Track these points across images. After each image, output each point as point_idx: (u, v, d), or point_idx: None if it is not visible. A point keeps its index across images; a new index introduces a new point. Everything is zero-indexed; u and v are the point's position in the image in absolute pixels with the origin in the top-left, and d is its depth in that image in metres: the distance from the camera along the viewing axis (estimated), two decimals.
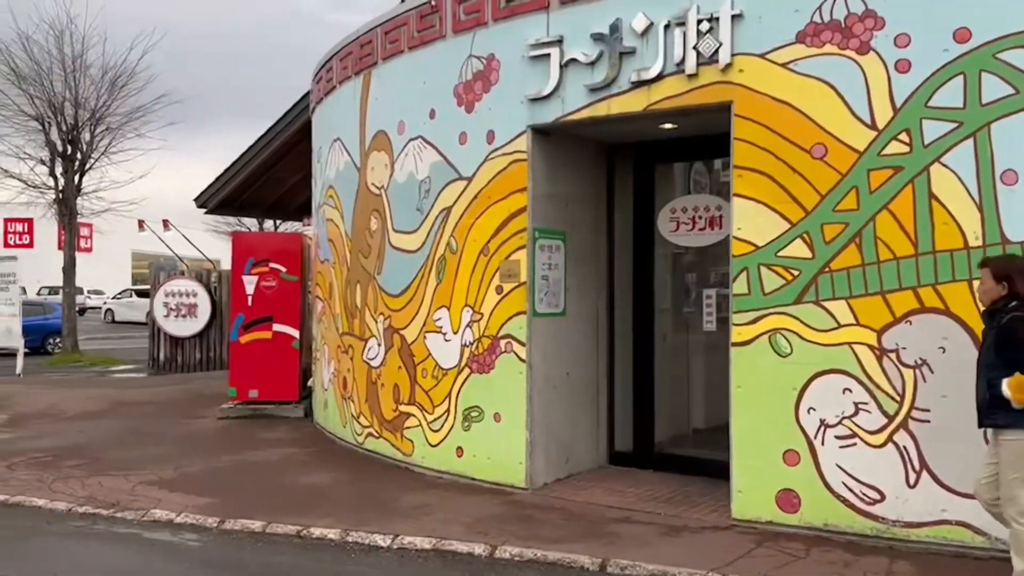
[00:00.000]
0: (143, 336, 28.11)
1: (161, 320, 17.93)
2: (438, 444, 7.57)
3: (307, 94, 14.48)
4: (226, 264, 25.72)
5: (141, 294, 37.98)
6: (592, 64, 6.50)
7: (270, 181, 17.56)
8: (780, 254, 5.82)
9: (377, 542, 5.77)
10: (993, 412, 4.44)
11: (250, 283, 11.17)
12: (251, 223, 41.38)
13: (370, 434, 8.48)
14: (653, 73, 6.21)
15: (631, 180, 7.75)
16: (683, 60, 6.09)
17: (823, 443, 5.69)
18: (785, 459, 5.80)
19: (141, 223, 21.55)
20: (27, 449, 8.96)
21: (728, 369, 6.03)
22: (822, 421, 5.69)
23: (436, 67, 7.57)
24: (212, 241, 37.55)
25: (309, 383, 10.79)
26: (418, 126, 7.77)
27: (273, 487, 7.30)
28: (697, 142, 7.23)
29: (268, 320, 11.16)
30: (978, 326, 4.95)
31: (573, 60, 6.59)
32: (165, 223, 21.03)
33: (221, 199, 17.55)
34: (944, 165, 5.36)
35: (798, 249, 5.76)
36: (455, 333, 7.41)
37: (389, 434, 8.15)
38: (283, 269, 11.22)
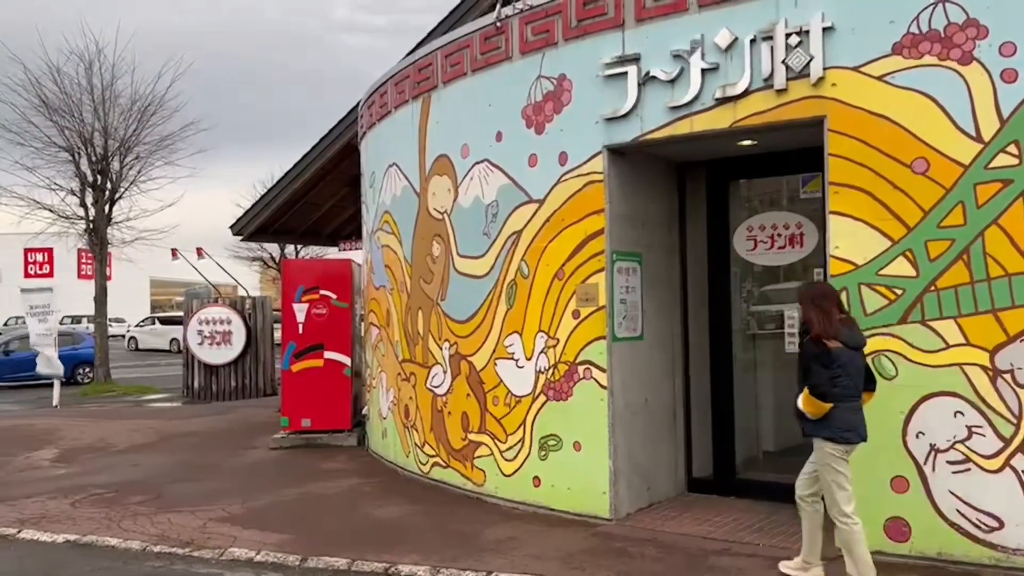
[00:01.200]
0: (169, 364, 28.33)
1: (195, 348, 17.85)
2: (512, 474, 7.37)
3: (343, 120, 14.55)
4: (247, 291, 25.88)
5: (164, 321, 38.12)
6: (672, 82, 6.34)
7: (305, 207, 17.48)
8: (882, 273, 5.62)
9: None
10: (802, 422, 5.15)
11: (300, 311, 11.03)
12: (273, 249, 41.60)
13: (436, 464, 8.28)
14: (739, 89, 6.04)
15: (704, 198, 7.57)
16: (771, 75, 5.92)
17: (934, 469, 5.46)
18: (893, 486, 5.57)
19: (175, 251, 21.51)
20: (86, 485, 8.81)
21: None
22: (932, 446, 5.47)
23: (502, 89, 7.43)
24: (235, 267, 37.60)
25: (364, 411, 10.61)
26: (483, 149, 7.62)
27: (346, 521, 7.11)
28: (774, 158, 7.06)
29: (319, 348, 11.01)
30: None
31: (651, 78, 6.43)
32: (199, 251, 20.99)
33: (257, 226, 17.48)
34: None
35: (901, 267, 5.56)
36: (528, 359, 7.22)
37: (458, 464, 7.96)
38: (333, 296, 11.09)
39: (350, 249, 17.61)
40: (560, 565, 5.69)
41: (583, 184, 6.83)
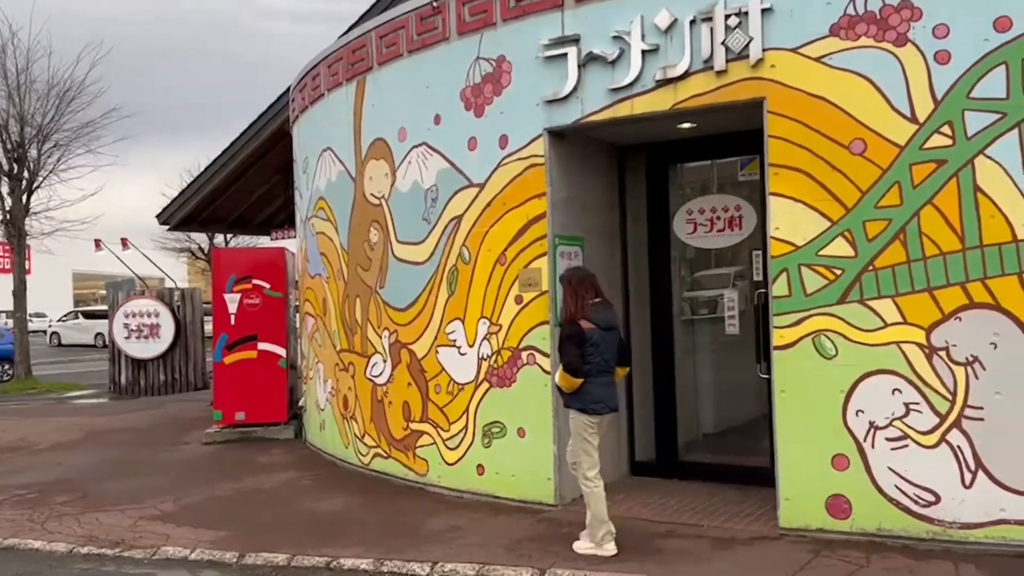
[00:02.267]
0: (93, 359, 27.45)
1: (121, 342, 17.28)
2: (456, 463, 7.27)
3: (273, 104, 14.21)
4: (175, 283, 25.19)
5: (89, 315, 36.92)
6: (613, 63, 6.29)
7: (235, 195, 17.06)
8: (821, 253, 5.66)
9: (415, 571, 5.47)
10: (562, 395, 5.65)
11: (232, 301, 10.74)
12: (201, 239, 40.58)
13: (377, 454, 8.14)
14: (680, 71, 6.02)
15: (644, 182, 7.56)
16: (711, 56, 5.91)
17: (873, 446, 5.54)
18: (834, 464, 5.64)
19: (98, 242, 20.77)
20: (6, 486, 8.42)
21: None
22: (871, 423, 5.54)
23: (440, 71, 7.29)
24: (161, 259, 36.57)
25: (300, 403, 10.38)
26: (421, 132, 7.47)
27: (286, 515, 6.92)
28: (713, 141, 7.09)
29: (253, 339, 10.74)
30: None
31: (592, 59, 6.37)
32: (124, 242, 20.31)
33: (184, 215, 17.01)
34: (989, 157, 5.25)
35: (840, 248, 5.61)
36: (471, 346, 7.12)
37: (400, 454, 7.83)
38: (266, 285, 10.82)
39: (282, 238, 17.23)
40: (505, 552, 5.63)
41: (524, 168, 6.74)
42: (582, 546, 5.60)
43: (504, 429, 6.91)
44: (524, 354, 6.76)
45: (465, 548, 5.77)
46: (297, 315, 11.19)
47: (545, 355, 6.64)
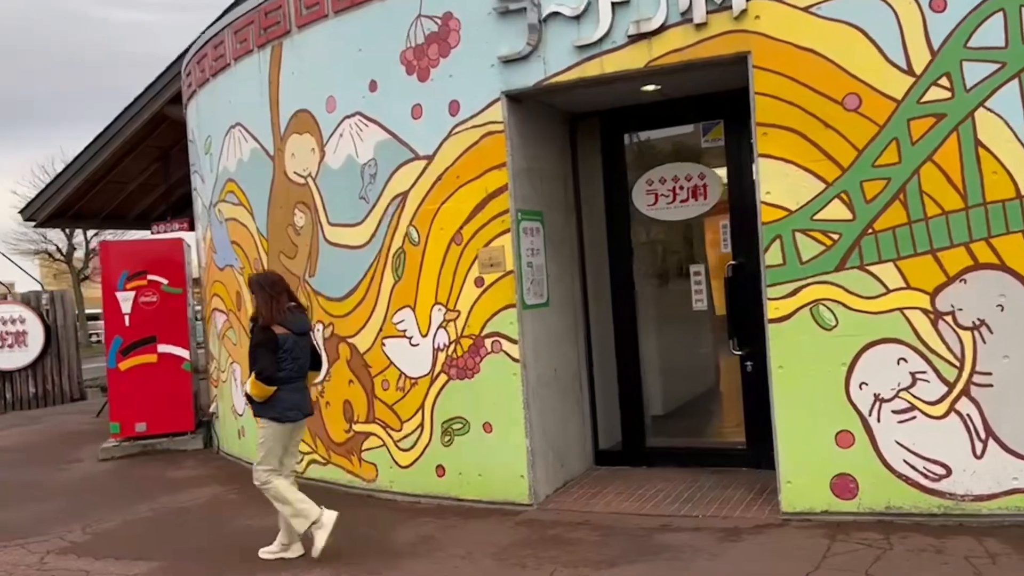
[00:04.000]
0: None
1: None
2: (410, 465, 6.60)
3: (152, 85, 12.99)
4: (22, 287, 23.10)
5: None
6: (578, 18, 5.73)
7: (109, 187, 15.67)
8: (816, 217, 5.29)
9: None
10: (251, 404, 5.40)
11: (126, 300, 9.63)
12: (58, 239, 37.75)
13: (314, 461, 7.36)
14: (655, 24, 5.52)
15: (598, 152, 7.05)
16: (689, 8, 5.43)
17: (879, 420, 5.23)
18: (838, 441, 5.30)
19: None
20: None
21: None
22: (876, 396, 5.22)
23: (374, 32, 6.56)
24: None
25: (212, 408, 9.42)
26: (355, 101, 6.72)
27: (223, 538, 6.09)
28: (672, 106, 6.66)
29: (151, 341, 9.68)
30: None
31: (554, 14, 5.79)
32: None
33: (52, 210, 15.47)
34: (989, 110, 4.98)
35: (837, 211, 5.25)
36: (424, 336, 6.46)
37: (342, 459, 7.08)
38: (164, 281, 9.76)
39: (165, 231, 15.87)
40: (496, 564, 5.02)
41: (480, 136, 6.11)
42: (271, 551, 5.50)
43: (467, 425, 6.29)
44: (488, 341, 6.15)
45: (447, 562, 5.13)
46: (200, 313, 10.18)
47: (513, 341, 6.05)
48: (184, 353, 9.81)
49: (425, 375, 6.47)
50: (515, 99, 6.12)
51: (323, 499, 6.71)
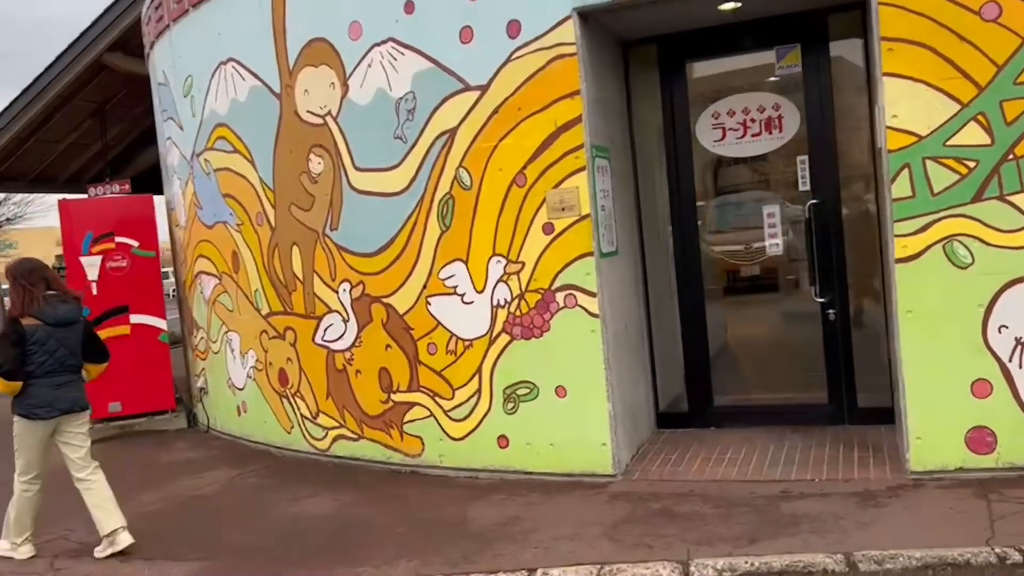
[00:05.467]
0: None
1: None
2: (465, 436, 5.88)
3: (86, 32, 11.66)
4: None
5: None
6: None
7: (37, 146, 14.25)
8: (950, 143, 4.73)
9: None
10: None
11: (92, 265, 8.58)
12: None
13: (342, 437, 6.56)
14: None
15: (656, 83, 6.35)
16: None
17: (1020, 366, 4.74)
18: (973, 391, 4.79)
19: None
20: None
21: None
22: (1018, 340, 4.73)
23: None
24: None
25: (199, 384, 8.46)
26: (385, 26, 5.86)
27: (263, 529, 5.28)
28: (737, 31, 6.03)
29: (123, 311, 8.66)
30: None
31: None
32: None
33: None
34: None
35: (973, 135, 4.70)
36: (480, 292, 5.71)
37: (378, 433, 6.31)
38: (134, 243, 8.73)
39: (104, 194, 14.53)
40: (616, 546, 4.37)
41: (547, 60, 5.35)
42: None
43: (535, 390, 5.59)
44: (560, 295, 5.44)
45: (555, 546, 4.45)
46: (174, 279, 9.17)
47: (590, 294, 5.36)
48: (160, 323, 8.82)
49: (482, 336, 5.73)
50: (585, 17, 5.36)
51: (364, 480, 6.00)
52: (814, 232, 5.95)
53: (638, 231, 6.38)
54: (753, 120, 6.12)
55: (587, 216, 5.32)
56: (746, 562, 4.01)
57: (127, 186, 14.15)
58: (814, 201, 5.94)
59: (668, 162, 6.32)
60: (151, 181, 12.95)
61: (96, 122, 14.34)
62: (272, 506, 5.70)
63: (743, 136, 6.15)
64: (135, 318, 8.69)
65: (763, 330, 6.69)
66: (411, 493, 5.64)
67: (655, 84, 6.34)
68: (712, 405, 6.38)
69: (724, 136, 6.19)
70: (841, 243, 5.96)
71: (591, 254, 5.33)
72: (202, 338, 8.33)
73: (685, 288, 6.37)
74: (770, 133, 6.10)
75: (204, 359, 8.35)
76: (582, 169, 5.30)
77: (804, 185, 6.02)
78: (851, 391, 6.03)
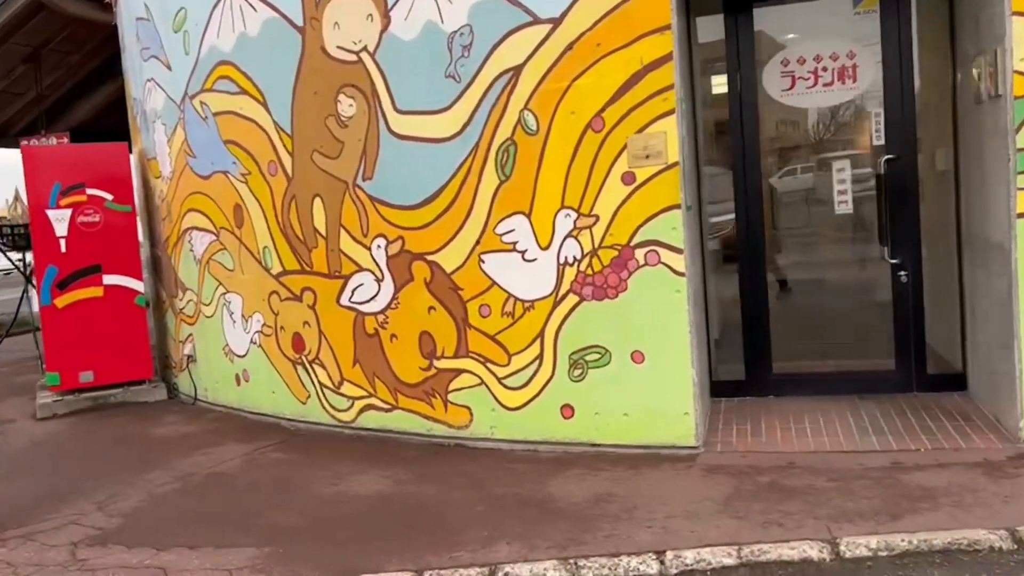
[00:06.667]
0: None
1: None
2: (523, 406, 5.40)
3: None
4: None
5: None
6: None
7: None
8: None
9: (645, 571, 3.67)
10: None
11: (60, 219, 7.71)
12: None
13: (370, 407, 5.99)
14: None
15: (721, 26, 5.90)
16: None
17: None
18: None
19: None
20: None
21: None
22: None
23: None
24: None
25: (187, 351, 7.71)
26: None
27: (320, 509, 4.70)
28: None
29: (95, 270, 7.83)
30: None
31: None
32: None
33: None
34: None
35: None
36: (544, 249, 5.20)
37: (417, 403, 5.76)
38: (108, 196, 7.88)
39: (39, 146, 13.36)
40: (738, 523, 3.98)
41: None
42: None
43: (607, 355, 5.14)
44: (641, 252, 4.98)
45: (674, 526, 4.02)
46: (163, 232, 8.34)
47: (676, 251, 4.91)
48: (137, 285, 8.01)
49: (545, 297, 5.23)
50: None
51: (406, 454, 5.48)
52: (887, 189, 5.63)
53: (695, 186, 5.95)
54: (825, 68, 5.74)
55: (675, 165, 4.86)
56: (903, 540, 3.66)
57: (65, 139, 13.11)
58: (889, 156, 5.61)
59: (731, 110, 5.88)
60: (91, 134, 11.97)
61: (31, 68, 13.19)
62: (312, 484, 5.11)
63: (814, 85, 5.77)
64: (108, 279, 7.87)
65: (823, 292, 6.37)
66: (471, 468, 5.13)
67: (719, 26, 5.89)
68: (772, 372, 6.03)
69: (793, 85, 5.81)
70: (916, 201, 5.66)
71: (678, 207, 4.89)
72: (190, 301, 7.58)
73: (745, 246, 5.97)
74: (843, 83, 5.73)
75: (192, 324, 7.60)
76: (670, 112, 4.83)
77: (878, 140, 5.68)
78: (920, 357, 5.76)
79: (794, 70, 5.79)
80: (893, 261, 5.67)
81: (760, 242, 5.96)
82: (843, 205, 5.86)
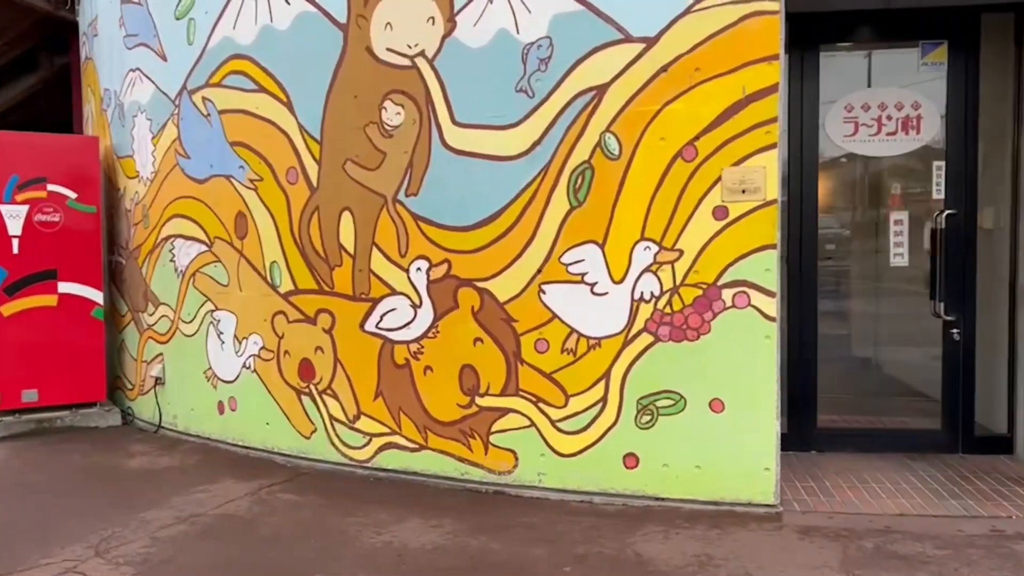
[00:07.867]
0: None
1: None
2: (578, 453, 4.95)
3: None
4: None
5: None
6: None
7: None
8: None
9: None
10: None
11: (15, 216, 6.82)
12: None
13: (391, 445, 5.41)
14: None
15: (786, 67, 5.69)
16: None
17: None
18: None
19: None
20: None
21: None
22: None
23: None
24: None
25: (154, 373, 6.87)
26: None
27: (382, 565, 4.09)
28: (887, 16, 5.52)
29: (50, 276, 6.95)
30: None
31: None
32: None
33: None
34: None
35: None
36: (617, 283, 4.81)
37: (450, 444, 5.23)
38: (71, 194, 7.04)
39: None
40: None
41: (739, 16, 4.57)
42: None
43: (681, 401, 4.76)
44: (729, 293, 4.65)
45: None
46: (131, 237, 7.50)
47: (768, 294, 4.60)
48: (95, 295, 7.15)
49: (615, 334, 4.83)
50: None
51: (444, 503, 4.92)
52: (944, 244, 5.52)
53: None
54: (890, 117, 5.62)
55: (773, 202, 4.57)
56: None
57: None
58: (950, 211, 5.50)
59: (790, 151, 5.67)
60: (15, 124, 10.91)
61: None
62: (354, 533, 4.48)
63: (877, 133, 5.63)
64: (64, 286, 7.00)
65: (877, 348, 6.20)
66: (528, 520, 4.63)
67: (786, 67, 5.68)
68: (816, 427, 5.79)
69: (856, 131, 5.65)
70: (974, 258, 5.57)
71: (773, 246, 4.59)
72: (163, 316, 6.79)
73: (796, 294, 5.74)
74: (906, 134, 5.61)
75: (165, 342, 6.81)
76: (772, 146, 4.55)
77: (938, 193, 5.58)
78: (968, 418, 5.64)
79: (857, 116, 5.64)
80: (948, 318, 5.54)
81: (813, 290, 5.74)
82: (898, 258, 5.71)
